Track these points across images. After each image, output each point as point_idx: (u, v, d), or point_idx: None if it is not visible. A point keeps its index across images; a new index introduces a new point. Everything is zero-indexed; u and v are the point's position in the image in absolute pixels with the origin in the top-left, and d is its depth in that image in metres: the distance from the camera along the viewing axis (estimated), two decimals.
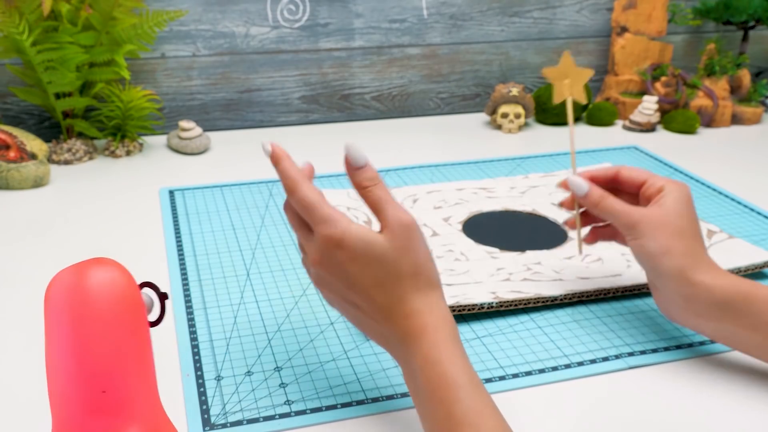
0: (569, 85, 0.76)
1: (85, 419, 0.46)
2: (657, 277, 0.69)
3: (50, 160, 1.21)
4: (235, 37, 1.36)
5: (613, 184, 0.76)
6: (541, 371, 0.70)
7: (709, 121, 1.44)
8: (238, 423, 0.63)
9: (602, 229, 0.79)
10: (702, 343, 0.74)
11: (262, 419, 0.63)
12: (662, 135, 1.40)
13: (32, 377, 0.68)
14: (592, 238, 0.80)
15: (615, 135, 1.40)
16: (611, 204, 0.71)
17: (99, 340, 0.45)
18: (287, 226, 0.99)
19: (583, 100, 0.77)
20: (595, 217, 0.80)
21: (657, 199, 0.70)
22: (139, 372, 0.46)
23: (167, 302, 0.81)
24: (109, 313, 0.45)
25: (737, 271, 0.85)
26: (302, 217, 0.61)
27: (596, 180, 0.75)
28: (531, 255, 0.90)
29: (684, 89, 1.44)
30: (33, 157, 1.13)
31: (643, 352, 0.73)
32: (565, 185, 0.75)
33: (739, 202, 1.08)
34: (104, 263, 0.47)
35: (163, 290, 0.50)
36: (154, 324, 0.50)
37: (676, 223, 0.67)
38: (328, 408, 0.65)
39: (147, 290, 0.47)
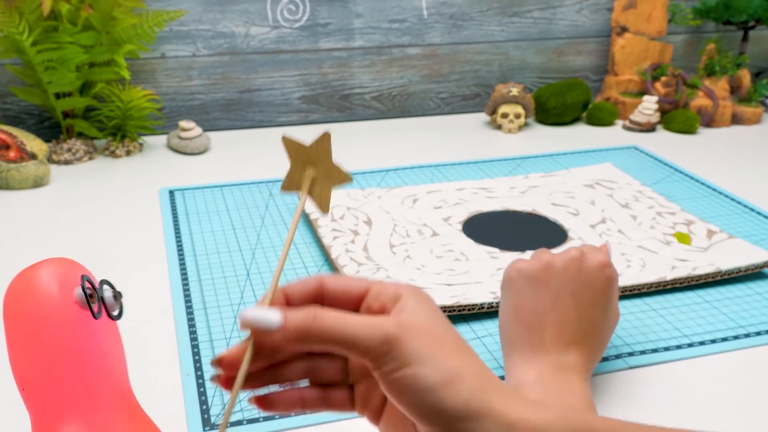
0: (313, 177, 0.48)
1: (33, 413, 0.47)
2: (433, 423, 0.39)
3: (50, 160, 1.21)
4: (235, 37, 1.36)
5: (319, 302, 0.44)
6: None
7: (709, 121, 1.44)
8: (238, 423, 0.63)
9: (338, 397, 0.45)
10: (702, 343, 0.74)
11: (262, 419, 0.63)
12: (662, 135, 1.40)
13: None
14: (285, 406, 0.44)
15: (615, 135, 1.40)
16: (334, 322, 0.39)
17: (11, 342, 0.46)
18: (287, 226, 0.99)
19: (325, 209, 0.48)
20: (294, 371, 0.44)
21: (399, 310, 0.41)
22: (72, 370, 0.46)
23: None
24: (15, 314, 0.46)
25: (737, 271, 0.85)
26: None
27: (292, 300, 0.44)
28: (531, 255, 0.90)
29: (684, 89, 1.44)
30: (33, 157, 1.13)
31: (643, 352, 0.73)
32: (244, 325, 0.41)
33: (739, 202, 1.08)
34: (33, 267, 0.47)
35: (117, 290, 0.51)
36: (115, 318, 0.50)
37: (451, 338, 0.41)
38: None
39: (82, 289, 0.48)
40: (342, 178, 0.48)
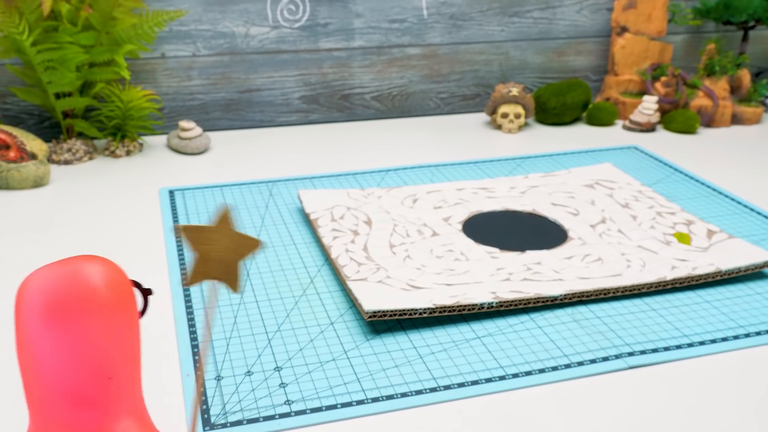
0: (220, 260, 0.45)
1: (76, 413, 0.46)
2: None
3: (50, 160, 1.21)
4: (235, 37, 1.36)
5: None
6: (541, 371, 0.70)
7: (709, 121, 1.44)
8: (238, 423, 0.63)
9: None
10: (702, 343, 0.74)
11: (262, 419, 0.63)
12: (662, 135, 1.40)
13: None
14: None
15: (615, 135, 1.40)
16: None
17: (100, 330, 0.45)
18: (287, 226, 0.99)
19: (238, 289, 0.46)
20: None
21: None
22: (132, 363, 0.47)
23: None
24: (108, 304, 0.46)
25: (737, 271, 0.85)
26: None
27: None
28: (531, 255, 0.90)
29: (684, 89, 1.44)
30: (33, 157, 1.13)
31: (643, 352, 0.73)
32: None
33: (739, 202, 1.08)
34: (93, 259, 0.47)
35: (146, 287, 0.50)
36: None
37: None
38: (328, 408, 0.65)
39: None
40: (252, 245, 0.45)
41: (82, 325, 0.45)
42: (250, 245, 0.45)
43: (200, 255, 0.44)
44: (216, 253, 0.44)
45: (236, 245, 0.44)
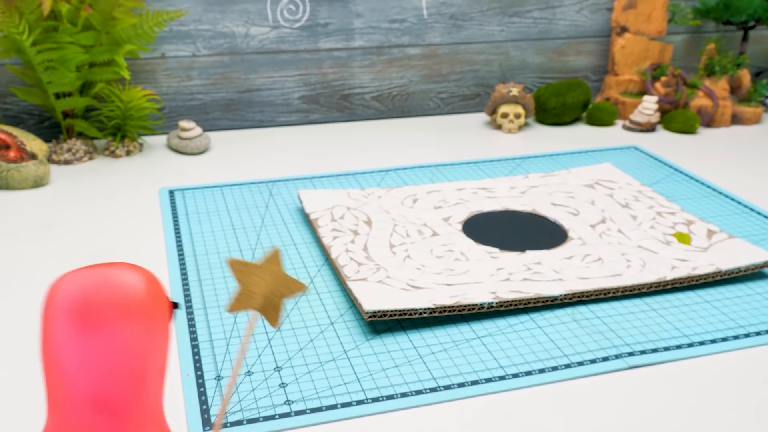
0: (265, 296, 0.46)
1: (99, 419, 0.45)
2: None
3: (50, 160, 1.21)
4: (235, 37, 1.36)
5: None
6: (541, 371, 0.70)
7: (709, 121, 1.44)
8: (238, 423, 0.63)
9: None
10: (702, 343, 0.74)
11: (262, 419, 0.63)
12: (662, 135, 1.40)
13: (31, 375, 0.68)
14: None
15: (615, 135, 1.40)
16: None
17: (139, 337, 0.45)
18: (287, 226, 0.99)
19: (276, 324, 0.46)
20: None
21: None
22: (162, 373, 0.47)
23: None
24: (149, 312, 0.46)
25: (737, 271, 0.86)
26: None
27: None
28: (531, 255, 0.90)
29: (684, 89, 1.44)
30: (33, 157, 1.13)
31: (643, 352, 0.73)
32: None
33: (739, 202, 1.08)
34: (130, 266, 0.47)
35: (173, 300, 0.51)
36: None
37: None
38: (328, 408, 0.65)
39: None
40: (296, 288, 0.46)
41: (121, 331, 0.45)
42: (294, 288, 0.46)
43: (243, 288, 0.46)
44: (259, 289, 0.46)
45: (281, 286, 0.46)
